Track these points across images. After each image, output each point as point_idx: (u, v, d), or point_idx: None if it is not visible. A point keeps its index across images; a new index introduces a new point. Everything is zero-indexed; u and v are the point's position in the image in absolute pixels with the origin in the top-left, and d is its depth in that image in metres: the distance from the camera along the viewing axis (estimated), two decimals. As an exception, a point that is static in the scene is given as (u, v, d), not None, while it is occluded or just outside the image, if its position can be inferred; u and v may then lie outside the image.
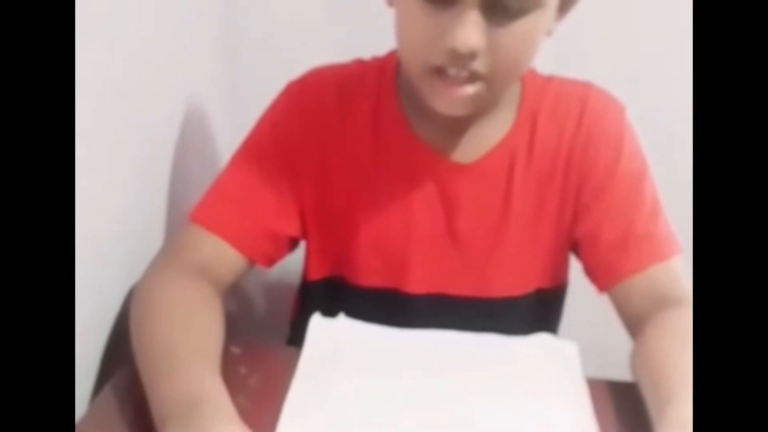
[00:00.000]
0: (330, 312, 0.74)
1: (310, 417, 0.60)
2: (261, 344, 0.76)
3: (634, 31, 1.10)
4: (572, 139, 0.75)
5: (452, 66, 0.64)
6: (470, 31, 0.62)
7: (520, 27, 0.63)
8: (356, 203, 0.77)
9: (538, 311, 0.81)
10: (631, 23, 1.09)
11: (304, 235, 0.79)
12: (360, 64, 0.79)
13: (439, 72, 0.65)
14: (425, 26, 0.64)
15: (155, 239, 0.81)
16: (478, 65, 0.64)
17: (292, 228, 0.77)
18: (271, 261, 0.77)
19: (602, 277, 0.75)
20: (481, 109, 0.71)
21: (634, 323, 0.72)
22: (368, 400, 0.62)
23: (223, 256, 0.73)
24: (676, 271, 0.73)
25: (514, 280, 0.79)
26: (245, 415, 0.55)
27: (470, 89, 0.66)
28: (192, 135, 0.92)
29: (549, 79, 0.77)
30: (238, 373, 0.67)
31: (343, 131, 0.76)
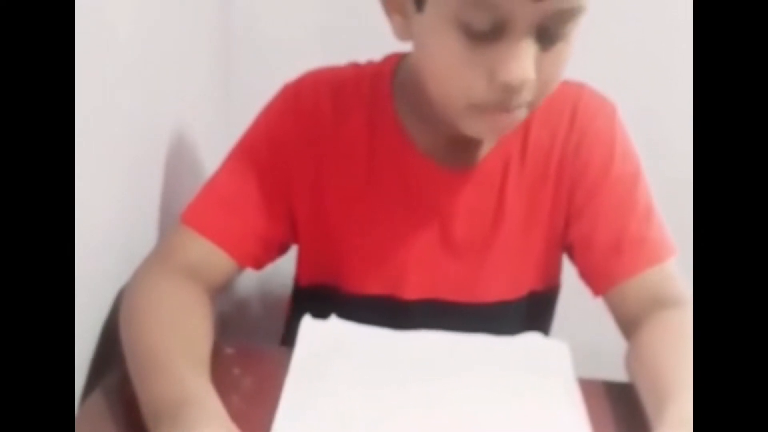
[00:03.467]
0: (323, 317, 0.73)
1: (303, 420, 0.60)
2: (255, 345, 0.75)
3: (628, 30, 1.10)
4: (564, 142, 0.75)
5: (503, 101, 0.62)
6: (526, 63, 0.59)
7: (560, 50, 0.62)
8: (351, 211, 0.76)
9: (531, 313, 0.80)
10: (624, 22, 1.09)
11: (296, 239, 0.79)
12: (356, 68, 0.78)
13: (487, 107, 0.63)
14: (469, 62, 0.61)
15: (148, 240, 0.81)
16: (527, 95, 0.63)
17: (283, 232, 0.77)
18: (261, 264, 0.77)
19: (597, 282, 0.75)
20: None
21: (630, 325, 0.71)
22: (361, 401, 0.62)
23: (212, 258, 0.72)
24: (671, 273, 0.72)
25: (507, 285, 0.79)
26: (239, 416, 0.55)
27: (515, 115, 0.65)
28: (187, 136, 0.92)
29: None
30: (232, 373, 0.66)
31: (338, 136, 0.75)
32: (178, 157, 0.89)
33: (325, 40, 1.10)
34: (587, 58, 0.98)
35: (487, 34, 0.59)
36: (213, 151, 0.99)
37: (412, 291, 0.78)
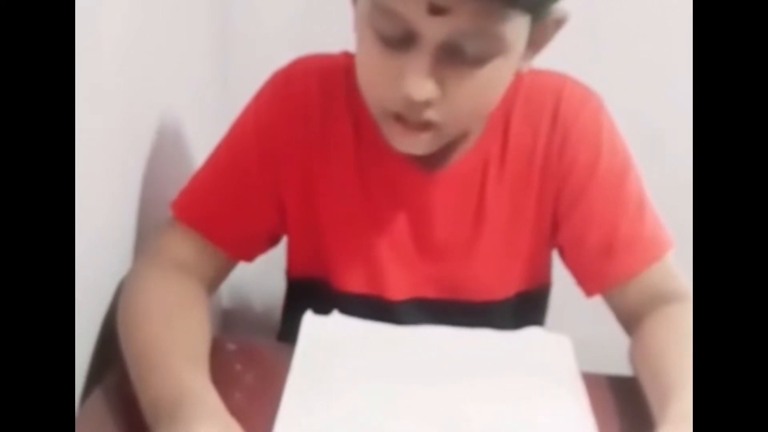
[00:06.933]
0: (316, 311, 0.73)
1: (306, 418, 0.59)
2: (257, 341, 0.75)
3: (623, 27, 1.10)
4: (548, 140, 0.72)
5: (406, 112, 0.62)
6: (424, 80, 0.59)
7: (480, 75, 0.60)
8: (339, 205, 0.75)
9: (522, 312, 0.79)
10: (619, 19, 1.09)
11: (285, 230, 0.78)
12: (347, 57, 0.76)
13: (395, 116, 0.63)
14: (381, 68, 0.61)
15: (146, 237, 0.80)
16: (432, 114, 0.61)
17: (273, 223, 0.75)
18: (252, 256, 0.76)
19: (589, 284, 0.74)
20: (441, 146, 0.68)
21: (631, 321, 0.71)
22: (364, 399, 0.62)
23: (205, 253, 0.72)
24: (669, 268, 0.71)
25: (493, 285, 0.77)
26: (241, 412, 0.55)
27: (424, 136, 0.64)
28: (185, 130, 0.91)
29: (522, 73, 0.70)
30: (234, 369, 0.66)
31: (327, 127, 0.73)
32: (177, 151, 0.89)
33: (324, 32, 1.09)
34: (585, 55, 0.99)
35: (398, 42, 0.59)
36: (211, 145, 0.99)
37: (397, 291, 0.76)
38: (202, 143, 0.97)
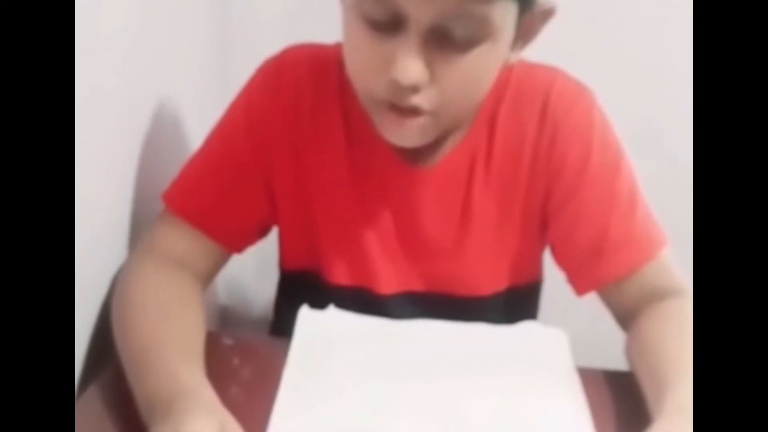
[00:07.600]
0: (308, 303, 0.72)
1: (302, 416, 0.60)
2: (253, 335, 0.75)
3: (622, 24, 1.10)
4: (536, 135, 0.71)
5: (395, 98, 0.62)
6: (412, 63, 0.59)
7: (469, 60, 0.60)
8: (330, 196, 0.74)
9: (513, 307, 0.78)
10: (618, 16, 1.09)
11: (276, 221, 0.77)
12: (339, 49, 0.74)
13: (385, 104, 0.63)
14: (370, 53, 0.61)
15: (143, 230, 0.81)
16: (422, 99, 0.61)
17: (265, 214, 0.75)
18: (243, 247, 0.76)
19: (580, 283, 0.73)
20: (433, 138, 0.68)
21: (627, 317, 0.71)
22: (361, 395, 0.62)
23: (198, 245, 0.72)
24: (665, 265, 0.70)
25: (482, 281, 0.76)
26: (238, 406, 0.55)
27: (414, 123, 0.64)
28: (185, 126, 0.92)
29: (511, 65, 0.70)
30: (231, 364, 0.66)
31: (318, 118, 0.73)
32: (177, 150, 0.88)
33: (323, 28, 1.09)
34: (584, 53, 0.99)
35: (387, 26, 0.59)
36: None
37: (386, 286, 0.76)
38: (202, 141, 0.98)
